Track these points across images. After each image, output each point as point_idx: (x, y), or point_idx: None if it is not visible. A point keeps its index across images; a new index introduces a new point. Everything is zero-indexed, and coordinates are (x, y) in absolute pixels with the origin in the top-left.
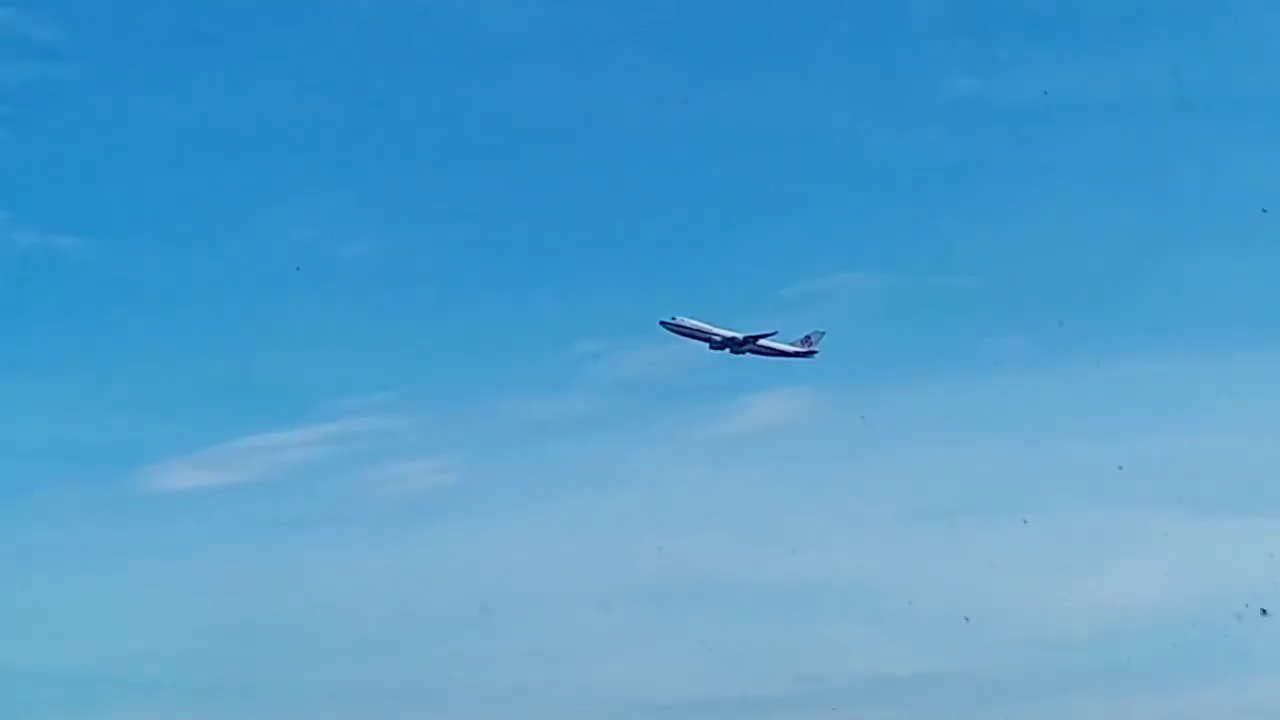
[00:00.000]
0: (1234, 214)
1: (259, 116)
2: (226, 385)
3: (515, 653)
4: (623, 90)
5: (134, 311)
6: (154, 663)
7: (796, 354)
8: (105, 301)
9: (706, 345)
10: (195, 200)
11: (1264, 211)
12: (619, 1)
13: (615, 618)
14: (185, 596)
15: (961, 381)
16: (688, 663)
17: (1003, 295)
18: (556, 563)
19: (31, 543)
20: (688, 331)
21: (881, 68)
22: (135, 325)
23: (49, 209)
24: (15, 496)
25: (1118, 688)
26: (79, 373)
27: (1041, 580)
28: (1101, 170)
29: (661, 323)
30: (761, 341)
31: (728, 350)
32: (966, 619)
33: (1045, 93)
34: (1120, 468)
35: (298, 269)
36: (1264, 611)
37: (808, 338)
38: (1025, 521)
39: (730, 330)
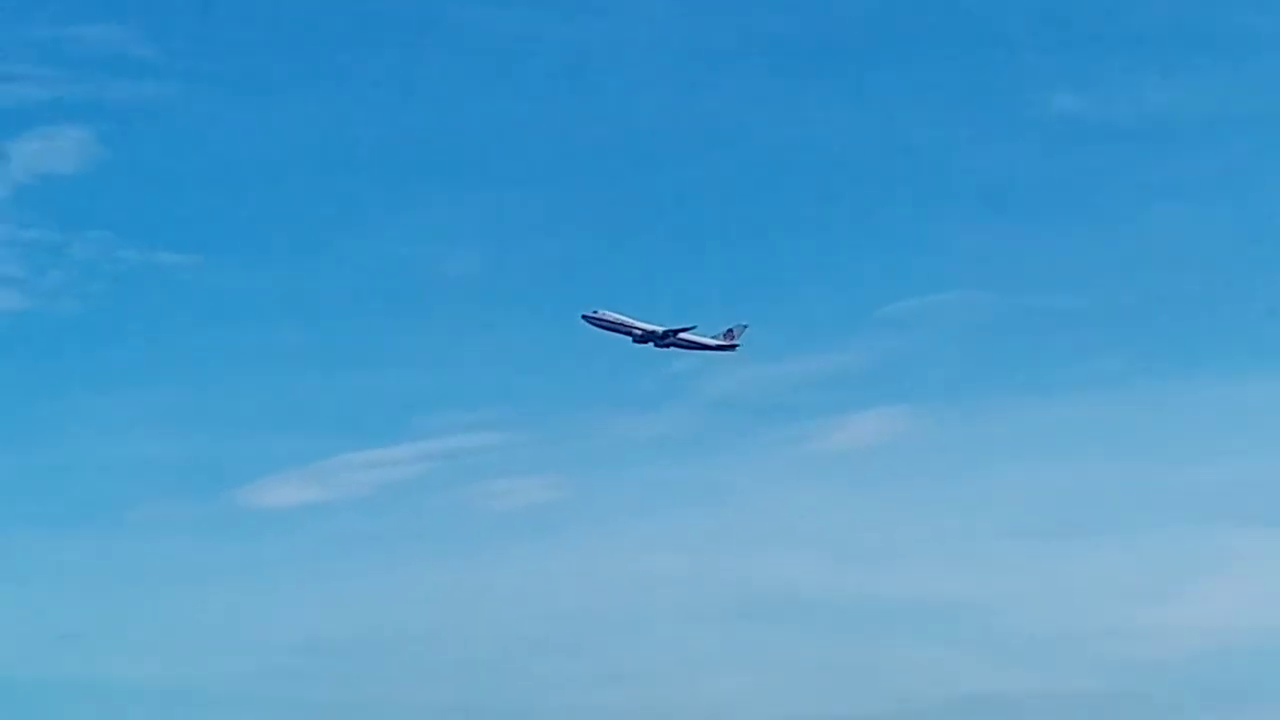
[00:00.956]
0: None
1: (362, 132)
2: (329, 401)
3: (612, 672)
4: (721, 108)
5: (236, 328)
6: (254, 679)
7: (719, 347)
8: (208, 318)
9: (629, 339)
10: (297, 216)
11: None
12: (720, 20)
13: (709, 635)
14: (286, 612)
15: (1059, 401)
16: (781, 681)
17: (1101, 315)
18: (653, 581)
19: (135, 557)
20: (609, 325)
21: (984, 86)
22: (238, 342)
23: (152, 226)
24: (119, 512)
25: (1219, 709)
26: (182, 389)
27: (1139, 600)
28: (1202, 189)
29: (583, 316)
30: (682, 335)
31: (651, 344)
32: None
33: (1146, 111)
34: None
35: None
36: None
37: (729, 331)
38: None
39: (651, 324)
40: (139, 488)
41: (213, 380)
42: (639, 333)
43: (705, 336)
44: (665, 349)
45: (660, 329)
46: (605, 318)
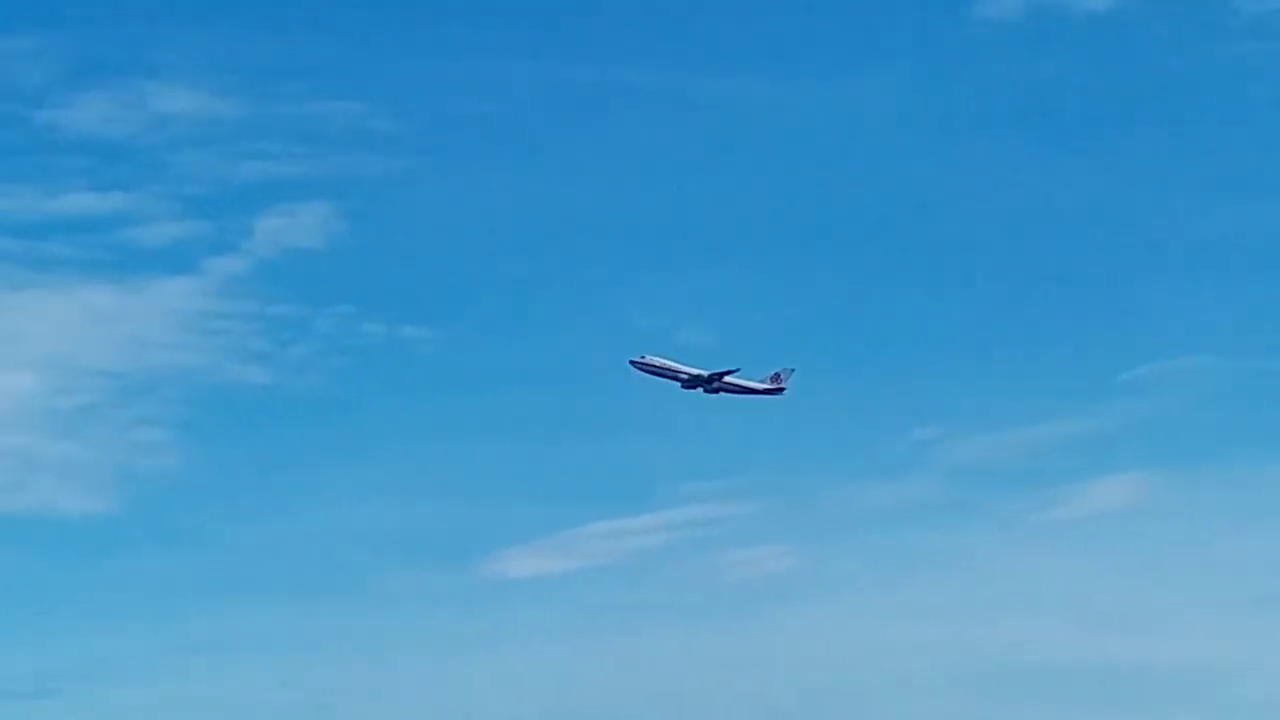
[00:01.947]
0: None
1: (599, 204)
2: (570, 472)
3: None
4: (957, 175)
5: (478, 399)
6: None
7: (766, 391)
8: (450, 389)
9: (677, 384)
10: (537, 288)
11: None
12: (952, 86)
13: (954, 705)
14: (530, 683)
15: None
16: None
17: None
18: (899, 649)
19: (378, 629)
20: (656, 370)
21: (1223, 149)
22: (480, 413)
23: (395, 300)
24: (363, 582)
25: None
26: (426, 460)
27: None
28: None
29: (631, 362)
30: (729, 379)
31: (699, 389)
32: None
33: None
34: None
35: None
36: None
37: (776, 375)
38: None
39: (697, 368)
40: (385, 558)
41: (456, 451)
42: (686, 377)
43: (753, 380)
44: (714, 393)
45: (706, 373)
46: (652, 363)
